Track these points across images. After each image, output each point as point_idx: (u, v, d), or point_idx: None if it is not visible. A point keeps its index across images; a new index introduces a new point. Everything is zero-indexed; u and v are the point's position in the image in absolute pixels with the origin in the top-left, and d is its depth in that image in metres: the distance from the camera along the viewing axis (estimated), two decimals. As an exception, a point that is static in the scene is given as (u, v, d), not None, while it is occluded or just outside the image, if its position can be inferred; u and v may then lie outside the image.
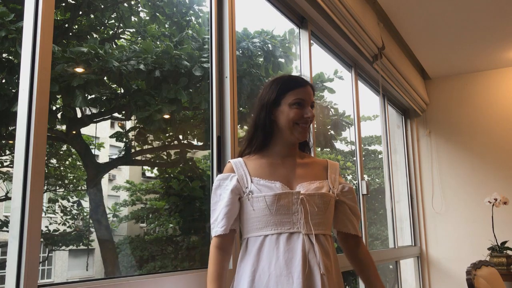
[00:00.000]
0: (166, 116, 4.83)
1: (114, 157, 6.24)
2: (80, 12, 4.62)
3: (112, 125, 5.96)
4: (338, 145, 8.22)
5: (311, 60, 2.82)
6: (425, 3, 3.32)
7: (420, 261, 4.60)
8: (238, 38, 4.64)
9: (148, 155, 5.98)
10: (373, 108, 6.55)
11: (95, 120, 5.07)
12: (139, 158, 5.93)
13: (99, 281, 1.35)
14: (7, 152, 4.83)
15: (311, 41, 2.88)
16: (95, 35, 4.68)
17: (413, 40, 3.99)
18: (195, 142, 5.91)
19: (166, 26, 5.18)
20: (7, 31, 3.49)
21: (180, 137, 5.71)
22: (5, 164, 4.86)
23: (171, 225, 6.28)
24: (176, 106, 4.58)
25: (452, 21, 3.60)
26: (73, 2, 4.50)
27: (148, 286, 1.47)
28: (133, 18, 5.00)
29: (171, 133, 5.60)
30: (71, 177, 5.63)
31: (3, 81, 4.00)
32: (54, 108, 4.30)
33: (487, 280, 2.32)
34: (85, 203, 5.62)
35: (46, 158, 1.26)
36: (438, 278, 4.55)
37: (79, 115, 4.75)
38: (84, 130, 5.23)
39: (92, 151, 5.46)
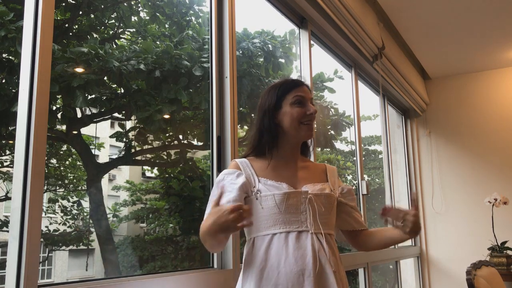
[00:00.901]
0: (166, 116, 4.83)
1: (114, 157, 6.24)
2: (80, 12, 4.62)
3: (112, 125, 5.97)
4: (338, 145, 8.23)
5: (311, 60, 2.82)
6: (425, 3, 3.32)
7: (420, 261, 4.60)
8: (238, 38, 4.64)
9: (148, 155, 5.98)
10: (373, 108, 6.56)
11: (95, 120, 5.07)
12: (139, 158, 5.93)
13: (99, 281, 1.35)
14: (7, 152, 4.83)
15: (311, 41, 2.88)
16: (95, 35, 4.68)
17: (413, 40, 3.99)
18: (195, 142, 5.91)
19: (166, 26, 5.18)
20: (7, 30, 3.50)
21: (180, 137, 5.71)
22: (5, 164, 4.86)
23: (171, 225, 6.28)
24: (176, 106, 4.58)
25: (452, 21, 3.60)
26: (73, 2, 4.50)
27: (148, 286, 1.47)
28: (133, 18, 5.00)
29: (171, 133, 5.61)
30: (71, 177, 5.64)
31: (3, 81, 4.01)
32: (54, 108, 4.30)
33: (487, 280, 2.32)
34: (85, 203, 5.62)
35: (46, 158, 1.26)
36: (438, 278, 4.55)
37: (79, 115, 4.75)
38: (84, 130, 5.24)
39: (92, 151, 5.46)
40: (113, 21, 4.92)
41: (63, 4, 4.37)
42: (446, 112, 4.77)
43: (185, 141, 5.78)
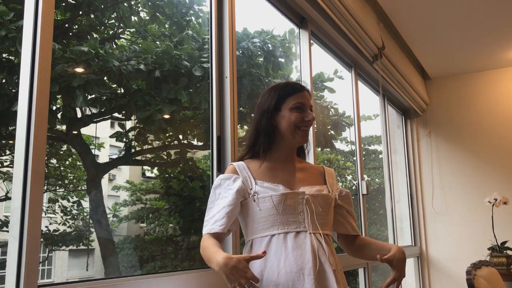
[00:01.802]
0: (166, 116, 4.83)
1: (114, 157, 6.24)
2: (80, 12, 4.62)
3: (112, 125, 5.97)
4: (338, 145, 8.23)
5: (311, 60, 2.82)
6: (425, 3, 3.32)
7: (420, 261, 4.60)
8: (238, 38, 4.64)
9: (148, 155, 5.98)
10: (373, 108, 6.56)
11: (95, 120, 5.07)
12: (139, 158, 5.93)
13: (99, 281, 1.35)
14: (7, 152, 4.83)
15: (311, 41, 2.88)
16: (95, 35, 4.68)
17: (413, 40, 3.99)
18: (195, 142, 5.91)
19: (166, 26, 5.18)
20: (7, 30, 3.49)
21: (180, 137, 5.71)
22: (5, 164, 4.86)
23: (171, 225, 6.28)
24: (176, 106, 4.58)
25: (452, 21, 3.60)
26: (73, 2, 4.50)
27: (148, 286, 1.47)
28: (133, 18, 5.00)
29: (171, 133, 5.60)
30: (71, 177, 5.63)
31: (3, 81, 4.00)
32: (54, 108, 4.30)
33: (487, 280, 2.32)
34: (85, 203, 5.62)
35: (46, 158, 1.26)
36: (438, 278, 4.55)
37: (79, 115, 4.75)
38: (84, 130, 5.23)
39: (92, 151, 5.46)
40: (113, 21, 4.92)
41: (63, 4, 4.37)
42: (446, 112, 4.77)
43: (185, 141, 5.77)
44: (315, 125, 1.51)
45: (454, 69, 4.65)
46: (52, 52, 1.28)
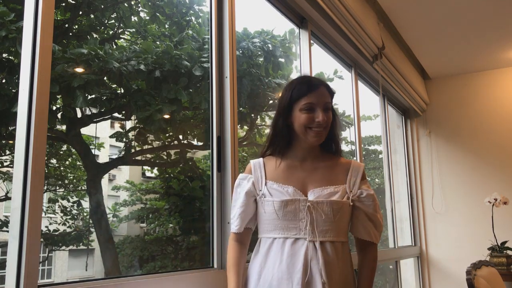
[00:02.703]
0: (166, 116, 4.83)
1: (114, 157, 6.24)
2: (80, 12, 4.61)
3: (112, 125, 5.96)
4: (338, 145, 8.20)
5: (311, 60, 2.82)
6: (425, 3, 3.32)
7: (420, 261, 4.60)
8: (238, 38, 4.64)
9: (148, 155, 5.98)
10: (373, 108, 6.56)
11: (95, 120, 5.07)
12: (139, 158, 5.93)
13: (99, 281, 1.35)
14: (7, 152, 4.83)
15: (311, 41, 2.87)
16: (95, 35, 4.68)
17: (413, 40, 3.99)
18: (195, 142, 5.91)
19: (166, 26, 5.18)
20: (7, 30, 3.49)
21: (180, 137, 5.70)
22: (5, 164, 4.85)
23: (171, 225, 6.28)
24: (176, 106, 4.58)
25: (452, 21, 3.60)
26: (73, 2, 4.50)
27: (148, 286, 1.47)
28: (133, 18, 5.00)
29: (171, 133, 5.60)
30: (71, 177, 5.63)
31: (3, 81, 4.00)
32: (54, 108, 4.30)
33: (487, 280, 2.32)
34: (85, 203, 5.61)
35: (46, 158, 1.26)
36: (438, 278, 4.55)
37: (79, 115, 4.74)
38: (84, 130, 5.23)
39: (92, 151, 5.46)
40: (113, 21, 4.92)
41: (63, 4, 4.37)
42: (446, 112, 4.77)
43: (185, 141, 5.77)
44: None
45: (454, 69, 4.65)
46: (52, 53, 1.28)
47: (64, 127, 4.76)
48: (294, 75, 5.26)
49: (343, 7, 2.72)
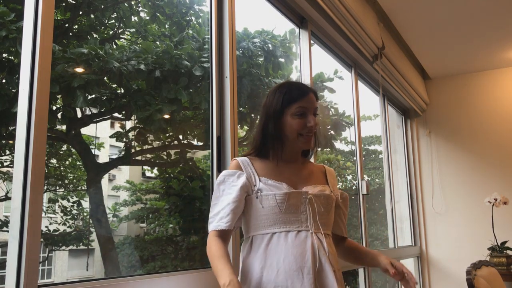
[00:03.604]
0: (166, 116, 4.83)
1: (114, 157, 6.24)
2: (80, 12, 4.62)
3: (112, 125, 5.97)
4: (338, 145, 8.22)
5: (311, 60, 2.82)
6: (425, 3, 3.32)
7: (420, 261, 4.60)
8: (238, 38, 4.64)
9: (148, 155, 5.98)
10: (373, 108, 6.56)
11: (95, 120, 5.07)
12: (139, 158, 5.93)
13: (99, 281, 1.35)
14: (7, 152, 4.83)
15: (311, 41, 2.88)
16: (95, 35, 4.68)
17: (413, 40, 3.99)
18: (195, 142, 5.91)
19: (166, 26, 5.18)
20: (8, 30, 3.50)
21: (180, 137, 5.71)
22: (5, 164, 4.86)
23: (171, 225, 6.28)
24: (176, 106, 4.58)
25: (452, 21, 3.60)
26: (73, 2, 4.50)
27: (148, 286, 1.47)
28: (133, 18, 5.00)
29: (171, 133, 5.61)
30: (71, 177, 5.64)
31: (3, 81, 4.01)
32: (54, 108, 4.30)
33: (487, 280, 2.32)
34: (85, 203, 5.62)
35: (46, 158, 1.26)
36: (438, 278, 4.55)
37: (79, 115, 4.75)
38: (84, 130, 5.23)
39: (92, 151, 5.46)
40: (113, 21, 4.92)
41: (63, 4, 4.37)
42: (446, 112, 4.77)
43: (185, 141, 5.78)
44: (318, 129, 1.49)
45: (454, 69, 4.65)
46: (52, 53, 1.28)
47: (64, 127, 4.76)
48: (294, 75, 5.26)
49: (343, 7, 2.72)
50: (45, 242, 5.44)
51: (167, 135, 5.60)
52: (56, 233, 5.51)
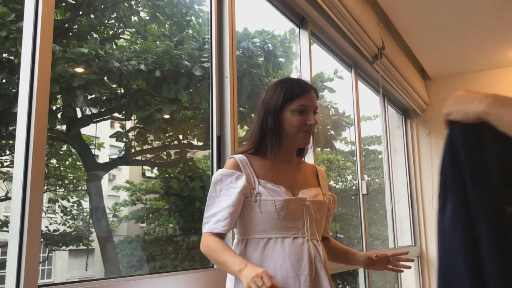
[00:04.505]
0: (166, 116, 4.84)
1: (114, 157, 6.24)
2: (80, 12, 4.62)
3: (112, 125, 5.97)
4: (338, 145, 8.23)
5: (311, 60, 2.82)
6: (425, 4, 3.32)
7: (420, 261, 4.60)
8: (238, 38, 4.64)
9: (148, 155, 5.99)
10: (373, 108, 6.56)
11: (95, 120, 5.08)
12: (139, 158, 5.94)
13: (99, 281, 1.35)
14: (7, 152, 4.83)
15: (311, 41, 2.88)
16: (95, 35, 4.68)
17: (413, 40, 3.99)
18: (195, 142, 5.91)
19: (166, 26, 5.18)
20: (8, 30, 3.50)
21: (180, 137, 5.71)
22: (5, 164, 4.86)
23: (171, 225, 6.28)
24: (176, 106, 4.58)
25: (452, 21, 3.60)
26: (73, 2, 4.50)
27: (148, 286, 1.47)
28: (133, 18, 5.00)
29: (171, 133, 5.61)
30: (71, 177, 5.64)
31: (3, 81, 4.01)
32: (54, 108, 4.30)
33: (487, 280, 2.32)
34: (85, 203, 5.62)
35: (46, 158, 1.26)
36: (438, 278, 4.54)
37: (79, 115, 4.75)
38: (84, 130, 5.24)
39: (92, 151, 5.46)
40: (113, 21, 4.93)
41: (63, 4, 4.38)
42: (446, 112, 4.76)
43: (185, 141, 5.78)
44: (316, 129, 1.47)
45: (454, 69, 4.65)
46: (52, 53, 1.28)
47: (64, 127, 4.77)
48: (294, 75, 5.26)
49: (343, 7, 2.72)
50: (45, 242, 5.45)
51: (167, 135, 5.60)
52: (56, 233, 5.52)
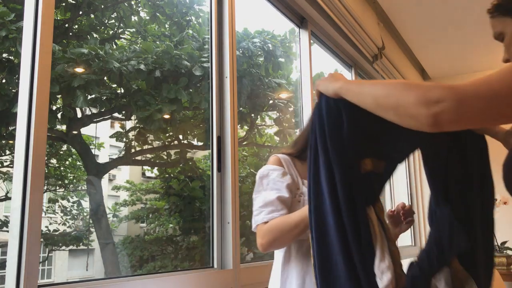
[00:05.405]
0: (166, 116, 4.84)
1: (114, 157, 6.24)
2: (80, 12, 4.62)
3: (112, 125, 5.97)
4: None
5: (311, 60, 2.82)
6: (425, 3, 3.32)
7: (420, 261, 4.59)
8: (238, 38, 4.64)
9: (148, 155, 5.99)
10: (373, 108, 6.55)
11: (95, 120, 5.08)
12: (139, 158, 5.94)
13: (99, 281, 1.35)
14: (7, 152, 4.83)
15: (311, 41, 2.88)
16: (95, 35, 4.69)
17: (413, 40, 3.99)
18: (195, 142, 5.91)
19: (166, 26, 5.18)
20: (8, 30, 3.50)
21: (180, 137, 5.71)
22: (5, 164, 4.86)
23: (171, 225, 6.28)
24: (176, 106, 4.59)
25: (452, 21, 3.60)
26: (73, 2, 4.50)
27: (148, 286, 1.47)
28: (133, 18, 5.01)
29: (171, 133, 5.61)
30: (71, 177, 5.64)
31: (3, 81, 4.01)
32: (54, 108, 4.30)
33: (487, 280, 2.32)
34: (85, 203, 5.62)
35: (46, 158, 1.26)
36: (438, 278, 4.54)
37: (79, 115, 4.75)
38: (84, 130, 5.24)
39: (92, 151, 5.46)
40: (113, 21, 4.93)
41: (63, 4, 4.38)
42: (446, 112, 4.77)
43: (185, 141, 5.78)
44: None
45: (454, 69, 4.65)
46: (52, 53, 1.28)
47: (64, 127, 4.77)
48: (294, 75, 5.26)
49: (343, 7, 2.72)
50: (45, 242, 5.44)
51: (167, 135, 5.60)
52: (56, 233, 5.52)
